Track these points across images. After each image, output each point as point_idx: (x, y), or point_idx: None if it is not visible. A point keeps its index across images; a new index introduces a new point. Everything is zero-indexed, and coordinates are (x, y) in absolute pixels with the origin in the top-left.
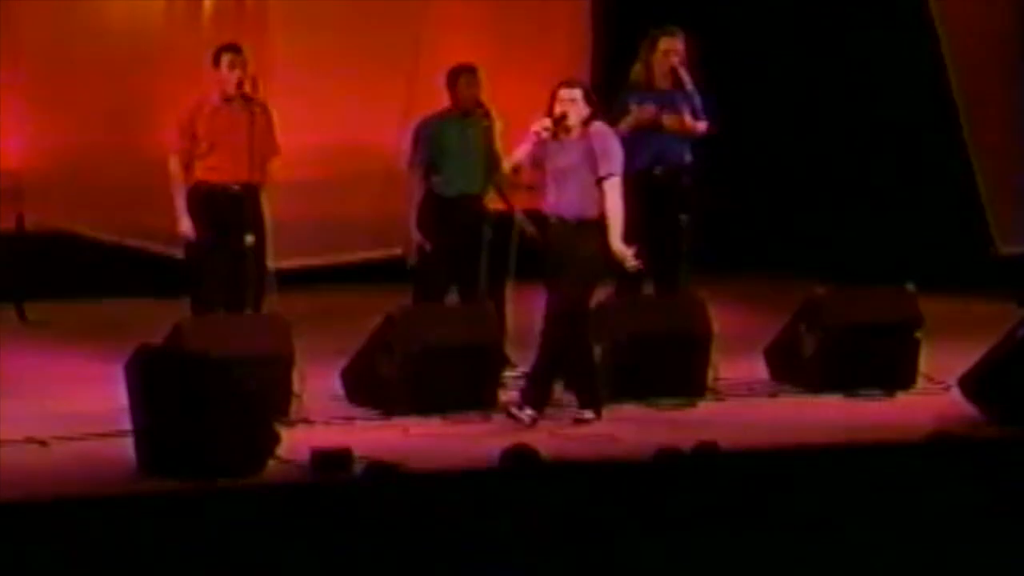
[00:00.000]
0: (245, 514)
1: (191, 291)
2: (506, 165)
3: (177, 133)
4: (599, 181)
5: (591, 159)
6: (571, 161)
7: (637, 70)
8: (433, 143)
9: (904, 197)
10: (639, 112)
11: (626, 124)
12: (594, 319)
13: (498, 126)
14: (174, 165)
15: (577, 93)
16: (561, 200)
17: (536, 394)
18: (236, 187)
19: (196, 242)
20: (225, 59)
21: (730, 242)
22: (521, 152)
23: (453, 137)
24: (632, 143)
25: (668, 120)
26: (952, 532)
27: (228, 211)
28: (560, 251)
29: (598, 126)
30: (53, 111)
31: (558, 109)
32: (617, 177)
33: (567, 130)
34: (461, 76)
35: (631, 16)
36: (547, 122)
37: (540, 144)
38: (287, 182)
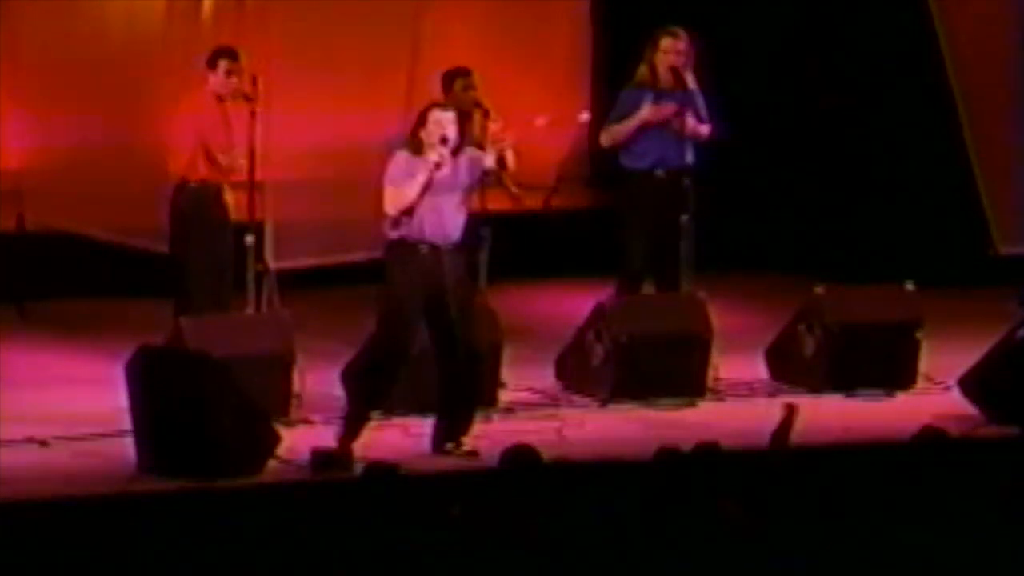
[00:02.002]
0: (245, 514)
1: (176, 290)
2: (402, 204)
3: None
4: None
5: (462, 183)
6: (448, 185)
7: (642, 70)
8: None
9: (904, 196)
10: (658, 109)
11: (636, 120)
12: (595, 319)
13: (493, 126)
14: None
15: (453, 115)
16: (437, 226)
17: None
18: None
19: (185, 242)
20: (223, 65)
21: (730, 242)
22: (416, 187)
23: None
24: (634, 144)
25: (674, 123)
26: (952, 532)
27: (225, 212)
28: (434, 281)
29: (472, 151)
30: (53, 111)
31: (447, 132)
32: None
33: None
34: (456, 80)
35: (631, 15)
36: (444, 151)
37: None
38: (287, 182)
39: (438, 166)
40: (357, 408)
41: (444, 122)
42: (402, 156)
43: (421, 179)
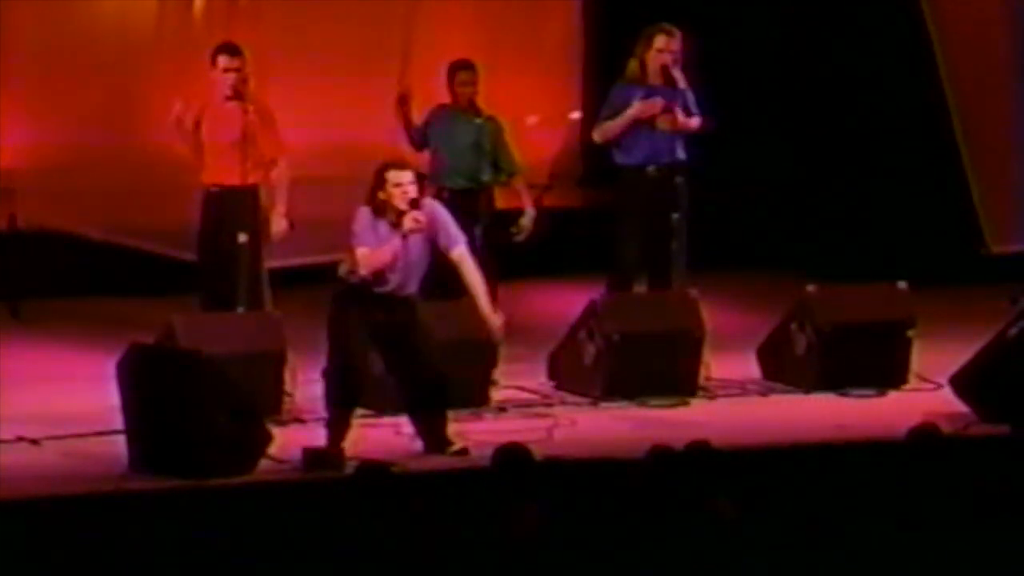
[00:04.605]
0: (237, 513)
1: (202, 293)
2: (375, 267)
3: (179, 133)
4: (445, 254)
5: (427, 234)
6: (415, 241)
7: (632, 66)
8: (429, 131)
9: (896, 195)
10: (646, 105)
11: (626, 117)
12: (587, 317)
13: (505, 126)
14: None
15: (411, 174)
16: (404, 280)
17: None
18: (231, 188)
19: (203, 244)
20: (221, 61)
21: (722, 240)
22: (390, 254)
23: (441, 131)
24: (625, 141)
25: (662, 120)
26: (943, 531)
27: (225, 212)
28: (383, 323)
29: (427, 201)
30: (45, 110)
31: (411, 193)
32: (464, 245)
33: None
34: (454, 73)
35: (622, 13)
36: (418, 215)
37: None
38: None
39: (415, 230)
40: (329, 411)
41: (405, 184)
42: (365, 213)
43: (396, 244)
